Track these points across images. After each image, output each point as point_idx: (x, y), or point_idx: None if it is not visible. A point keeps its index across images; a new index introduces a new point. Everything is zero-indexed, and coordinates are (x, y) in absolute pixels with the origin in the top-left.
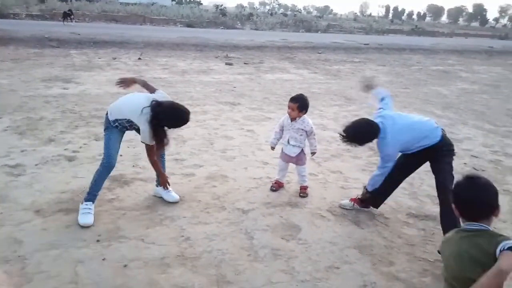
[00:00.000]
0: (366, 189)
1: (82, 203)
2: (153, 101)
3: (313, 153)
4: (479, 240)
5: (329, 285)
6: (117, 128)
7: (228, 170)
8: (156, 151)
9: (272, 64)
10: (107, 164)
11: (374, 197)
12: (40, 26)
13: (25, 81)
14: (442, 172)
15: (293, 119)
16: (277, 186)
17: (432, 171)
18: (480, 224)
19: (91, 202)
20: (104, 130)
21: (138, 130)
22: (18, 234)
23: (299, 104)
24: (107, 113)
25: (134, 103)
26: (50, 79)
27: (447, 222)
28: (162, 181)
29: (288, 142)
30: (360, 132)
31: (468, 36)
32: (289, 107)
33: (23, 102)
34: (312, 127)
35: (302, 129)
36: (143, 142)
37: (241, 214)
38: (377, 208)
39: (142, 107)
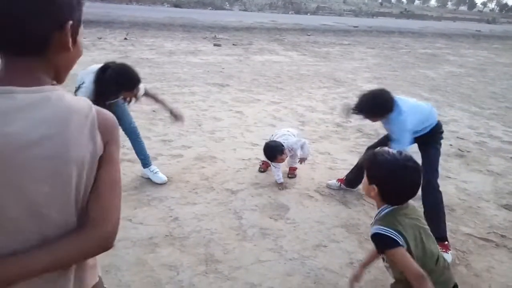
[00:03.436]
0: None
1: None
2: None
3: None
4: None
5: (316, 263)
6: None
7: (216, 151)
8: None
9: (261, 45)
10: None
11: (350, 180)
12: None
13: None
14: (434, 153)
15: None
16: (265, 167)
17: (423, 151)
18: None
19: None
20: None
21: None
22: None
23: (280, 151)
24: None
25: (91, 67)
26: None
27: (431, 199)
28: None
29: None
30: (378, 103)
31: (456, 20)
32: (278, 161)
33: None
34: (297, 141)
35: (294, 151)
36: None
37: (229, 194)
38: (353, 188)
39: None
